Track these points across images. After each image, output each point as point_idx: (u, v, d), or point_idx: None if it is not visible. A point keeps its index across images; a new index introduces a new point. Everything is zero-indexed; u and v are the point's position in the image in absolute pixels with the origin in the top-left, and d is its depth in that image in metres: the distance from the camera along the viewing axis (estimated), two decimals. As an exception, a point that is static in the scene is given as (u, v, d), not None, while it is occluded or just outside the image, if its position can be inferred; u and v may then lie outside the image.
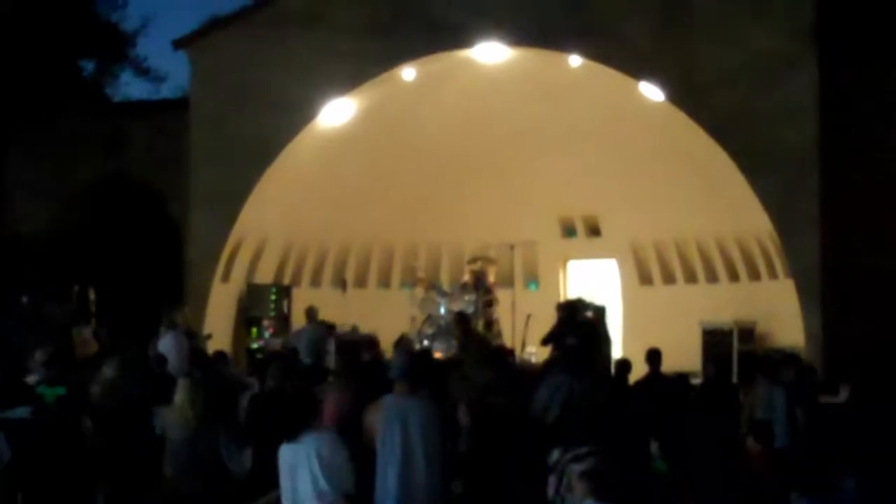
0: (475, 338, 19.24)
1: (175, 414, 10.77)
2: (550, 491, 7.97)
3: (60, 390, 12.14)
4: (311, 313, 20.44)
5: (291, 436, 8.73)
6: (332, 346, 19.35)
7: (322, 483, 8.59)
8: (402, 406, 9.30)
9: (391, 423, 9.21)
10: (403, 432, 9.16)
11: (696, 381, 16.27)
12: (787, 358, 14.81)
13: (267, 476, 9.32)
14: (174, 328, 17.41)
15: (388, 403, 9.40)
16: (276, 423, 9.09)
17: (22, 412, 11.89)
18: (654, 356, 14.95)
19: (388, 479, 9.14)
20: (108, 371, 12.85)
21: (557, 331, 18.11)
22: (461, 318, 19.59)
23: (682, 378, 14.21)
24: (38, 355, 13.41)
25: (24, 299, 20.85)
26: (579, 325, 18.38)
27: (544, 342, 18.33)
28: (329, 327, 20.27)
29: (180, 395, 10.76)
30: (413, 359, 9.97)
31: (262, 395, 11.80)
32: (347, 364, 13.67)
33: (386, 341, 20.19)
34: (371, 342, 14.73)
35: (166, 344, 16.72)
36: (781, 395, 12.98)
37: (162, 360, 15.12)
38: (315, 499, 8.61)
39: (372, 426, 9.39)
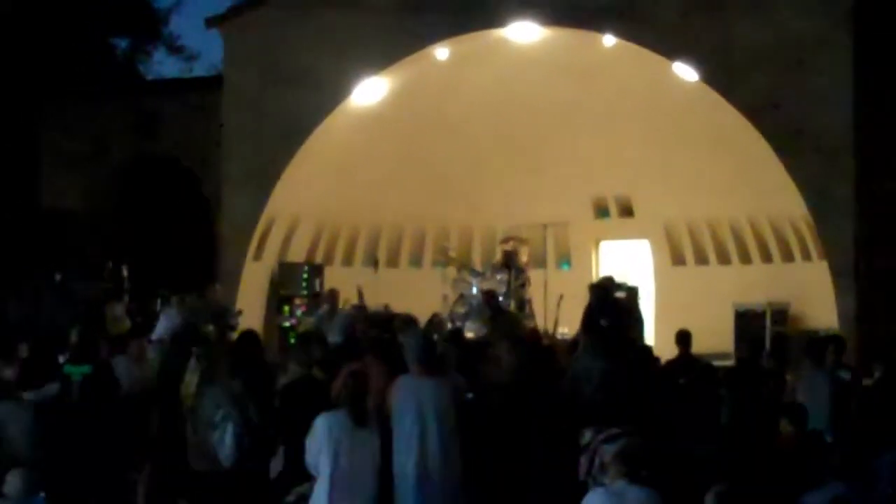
0: (505, 316, 19.23)
1: (185, 391, 10.80)
2: (582, 472, 7.96)
3: (86, 369, 12.21)
4: (333, 296, 20.44)
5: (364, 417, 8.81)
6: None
7: (379, 459, 8.68)
8: (416, 387, 9.37)
9: (406, 403, 9.28)
10: (419, 412, 9.23)
11: (728, 362, 16.21)
12: (829, 339, 14.52)
13: (298, 468, 9.37)
14: (177, 306, 17.71)
15: (404, 384, 9.47)
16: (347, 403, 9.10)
17: (53, 389, 11.99)
18: (684, 338, 14.89)
19: (403, 458, 9.21)
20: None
21: (590, 312, 18.03)
22: (489, 297, 19.58)
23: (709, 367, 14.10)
24: (73, 335, 13.52)
25: (58, 277, 20.99)
26: (611, 307, 18.30)
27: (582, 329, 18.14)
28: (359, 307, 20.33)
29: (188, 372, 10.79)
30: (427, 339, 10.00)
31: (293, 384, 11.49)
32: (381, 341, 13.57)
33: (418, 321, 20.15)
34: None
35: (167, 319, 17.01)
36: (824, 378, 12.76)
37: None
38: (374, 475, 8.69)
39: (391, 406, 9.45)
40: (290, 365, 11.80)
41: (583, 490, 7.79)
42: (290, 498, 9.57)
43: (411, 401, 9.29)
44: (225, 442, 10.24)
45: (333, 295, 20.37)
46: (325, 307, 20.44)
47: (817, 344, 13.58)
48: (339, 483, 8.80)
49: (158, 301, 20.30)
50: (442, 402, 9.37)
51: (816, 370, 12.89)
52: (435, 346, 10.03)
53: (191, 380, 10.61)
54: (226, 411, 10.29)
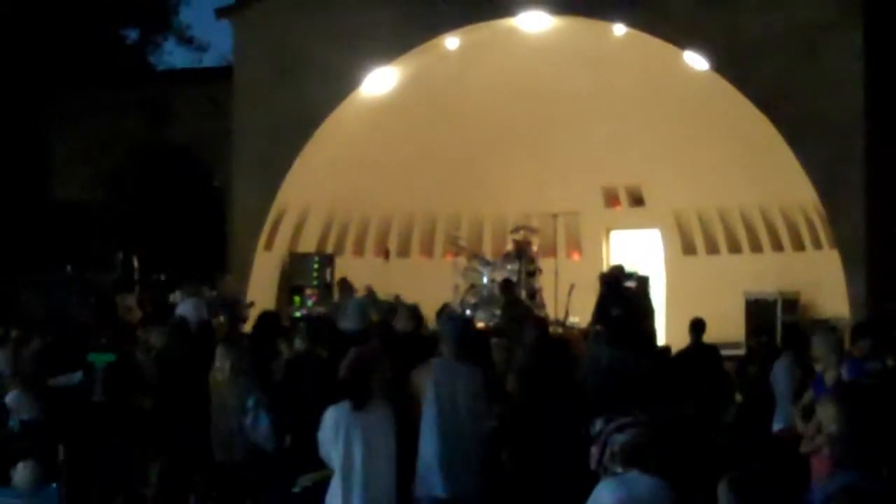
0: (520, 306, 19.24)
1: (213, 379, 10.77)
2: (593, 462, 7.94)
3: (109, 357, 12.24)
4: (344, 284, 20.53)
5: (365, 400, 8.57)
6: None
7: (394, 446, 8.58)
8: (450, 371, 9.31)
9: (440, 387, 9.22)
10: (451, 397, 9.18)
11: (739, 351, 16.20)
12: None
13: (307, 447, 9.14)
14: (197, 295, 17.68)
15: (438, 367, 9.40)
16: (347, 387, 8.87)
17: (76, 378, 12.04)
18: (697, 326, 14.87)
19: (433, 442, 9.12)
20: (155, 339, 12.95)
21: (601, 302, 18.01)
22: (507, 285, 19.57)
23: (712, 349, 14.09)
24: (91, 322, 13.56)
25: (69, 268, 21.04)
26: (623, 296, 18.29)
27: (594, 319, 18.12)
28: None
29: (217, 360, 10.73)
30: (461, 325, 9.93)
31: (296, 359, 11.32)
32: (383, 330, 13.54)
33: (429, 311, 20.18)
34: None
35: (186, 308, 16.93)
36: (781, 366, 12.63)
37: (183, 322, 15.01)
38: (388, 460, 8.59)
39: (419, 388, 9.39)
40: (294, 342, 11.66)
41: (594, 479, 7.79)
42: (296, 489, 9.53)
43: (445, 384, 9.24)
44: (260, 427, 10.28)
45: (345, 284, 20.48)
46: (337, 296, 20.57)
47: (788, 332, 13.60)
48: (351, 476, 8.48)
49: (175, 292, 20.25)
50: (476, 388, 9.33)
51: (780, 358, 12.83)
52: (472, 333, 9.94)
53: (221, 367, 10.60)
54: (257, 397, 10.34)
